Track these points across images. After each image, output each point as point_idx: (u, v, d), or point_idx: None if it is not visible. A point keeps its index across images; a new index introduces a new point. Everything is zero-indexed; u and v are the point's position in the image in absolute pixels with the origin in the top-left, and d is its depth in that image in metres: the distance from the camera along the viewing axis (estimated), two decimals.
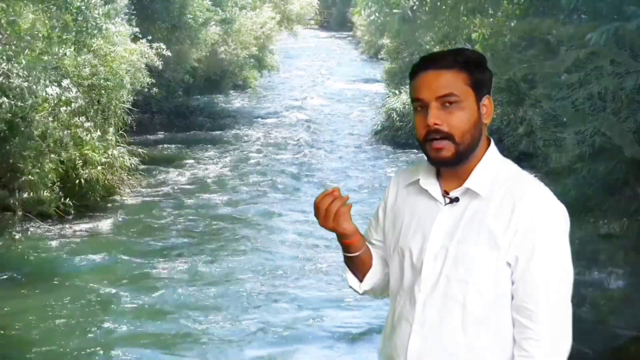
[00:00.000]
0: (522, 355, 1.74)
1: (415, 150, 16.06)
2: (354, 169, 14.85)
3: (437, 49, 16.45)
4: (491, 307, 1.77)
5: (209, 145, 16.25)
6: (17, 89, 8.65)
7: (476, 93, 1.79)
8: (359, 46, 41.89)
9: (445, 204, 1.83)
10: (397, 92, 17.95)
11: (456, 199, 1.82)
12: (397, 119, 16.81)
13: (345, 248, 1.95)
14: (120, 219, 10.52)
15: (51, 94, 9.48)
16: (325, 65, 33.80)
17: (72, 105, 9.73)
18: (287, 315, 7.58)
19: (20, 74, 8.72)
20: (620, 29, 4.42)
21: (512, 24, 7.33)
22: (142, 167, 12.30)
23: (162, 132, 17.24)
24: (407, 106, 16.71)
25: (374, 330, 6.98)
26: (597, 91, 4.67)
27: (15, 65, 8.61)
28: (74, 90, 9.87)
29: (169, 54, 13.54)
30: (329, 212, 1.85)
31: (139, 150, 12.16)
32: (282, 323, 7.34)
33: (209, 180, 13.18)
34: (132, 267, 8.66)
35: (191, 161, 14.63)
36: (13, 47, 8.76)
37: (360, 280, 2.00)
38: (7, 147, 9.09)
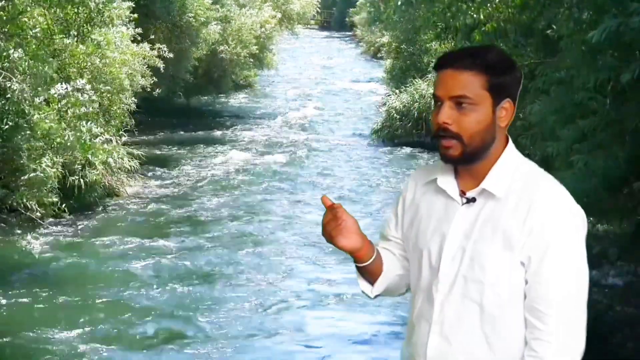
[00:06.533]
0: (531, 356, 1.73)
1: (413, 149, 16.07)
2: (353, 167, 14.84)
3: (435, 44, 16.47)
4: (507, 307, 1.76)
5: (209, 146, 16.22)
6: (18, 88, 8.64)
7: (493, 97, 1.78)
8: (359, 46, 41.94)
9: (462, 204, 1.83)
10: (397, 91, 17.93)
11: (473, 199, 1.82)
12: (397, 117, 16.80)
13: (353, 258, 1.96)
14: (119, 220, 10.50)
15: (57, 95, 9.49)
16: (326, 65, 33.81)
17: (83, 108, 9.72)
18: (298, 311, 7.62)
19: (22, 72, 8.71)
20: (622, 26, 4.41)
21: (510, 11, 7.32)
22: (142, 167, 12.28)
23: (162, 133, 17.22)
24: (407, 105, 16.70)
25: None
26: (593, 85, 4.67)
27: (17, 60, 8.59)
28: (89, 91, 9.89)
29: (171, 55, 13.55)
30: (325, 228, 1.88)
31: (139, 152, 12.13)
32: (291, 323, 7.35)
33: (209, 181, 13.16)
34: (131, 267, 8.64)
35: (191, 161, 14.61)
36: (13, 45, 8.74)
37: (371, 284, 2.00)
38: (9, 146, 9.07)
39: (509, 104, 1.81)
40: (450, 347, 1.81)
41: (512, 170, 1.81)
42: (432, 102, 1.87)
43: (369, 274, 1.98)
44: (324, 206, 1.88)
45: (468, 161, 1.81)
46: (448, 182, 1.87)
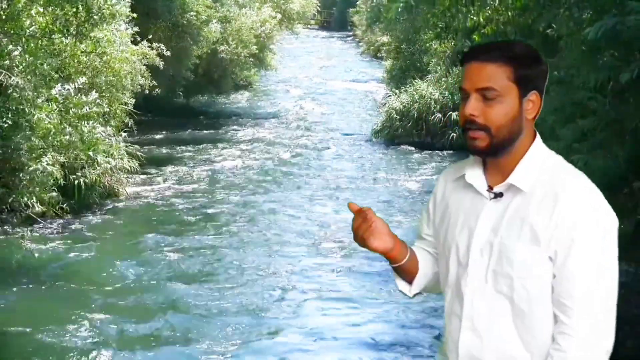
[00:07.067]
0: (556, 349, 1.74)
1: (414, 149, 16.08)
2: (353, 167, 14.85)
3: (435, 44, 16.49)
4: (537, 302, 1.77)
5: (209, 146, 16.23)
6: (18, 87, 8.64)
7: (520, 88, 1.78)
8: (359, 46, 41.96)
9: (490, 199, 1.84)
10: (397, 91, 17.93)
11: (500, 194, 1.82)
12: (397, 118, 16.80)
13: (387, 260, 1.98)
14: (119, 220, 10.51)
15: (58, 94, 9.49)
16: (326, 65, 33.82)
17: (85, 108, 9.73)
18: (303, 308, 7.64)
19: (22, 70, 8.70)
20: (619, 24, 4.43)
21: (510, 14, 7.33)
22: (141, 167, 12.27)
23: (162, 132, 17.23)
24: (406, 105, 16.70)
25: None
26: (593, 85, 4.67)
27: (17, 58, 8.59)
28: (94, 94, 9.92)
29: (168, 53, 13.55)
30: (356, 232, 1.90)
31: (138, 152, 12.11)
32: (295, 319, 7.38)
33: (208, 181, 13.16)
34: (131, 267, 8.64)
35: (191, 161, 14.62)
36: (13, 44, 8.74)
37: (410, 283, 2.02)
38: (9, 145, 9.06)
39: (535, 97, 1.81)
40: (482, 342, 1.82)
41: (539, 164, 1.81)
42: (460, 96, 1.87)
43: (406, 273, 2.00)
44: (352, 212, 1.90)
45: (495, 153, 1.81)
46: (476, 177, 1.88)
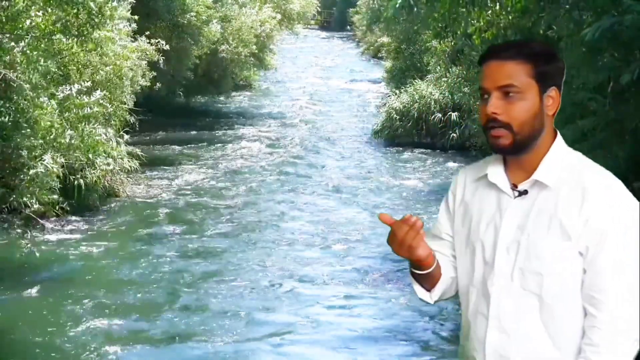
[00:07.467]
0: (587, 344, 1.74)
1: (414, 149, 16.07)
2: (353, 167, 14.85)
3: (434, 43, 16.48)
4: (567, 298, 1.77)
5: (209, 146, 16.24)
6: (19, 85, 8.63)
7: (540, 85, 1.80)
8: (359, 46, 41.95)
9: (515, 197, 1.84)
10: (397, 91, 17.93)
11: (525, 192, 1.83)
12: (397, 118, 16.79)
13: (417, 267, 1.93)
14: (119, 220, 10.51)
15: (60, 94, 9.49)
16: (326, 65, 33.83)
17: (87, 109, 9.73)
18: (306, 308, 7.65)
19: (23, 71, 8.70)
20: (616, 24, 4.43)
21: (511, 18, 7.35)
22: (142, 167, 12.27)
23: (163, 132, 17.23)
24: (406, 105, 16.70)
25: None
26: (593, 85, 4.68)
27: (17, 59, 8.58)
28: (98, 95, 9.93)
29: (167, 47, 13.52)
30: (404, 242, 1.84)
31: (139, 152, 12.11)
32: (295, 311, 7.37)
33: (209, 181, 13.17)
34: (131, 266, 8.65)
35: (191, 162, 14.62)
36: (13, 44, 8.73)
37: (428, 290, 1.99)
38: (9, 144, 9.06)
39: (555, 92, 1.83)
40: (509, 341, 1.82)
41: (563, 160, 1.82)
42: (479, 96, 1.87)
43: (430, 279, 1.97)
44: (386, 224, 1.85)
45: (518, 150, 1.82)
46: (498, 176, 1.88)
